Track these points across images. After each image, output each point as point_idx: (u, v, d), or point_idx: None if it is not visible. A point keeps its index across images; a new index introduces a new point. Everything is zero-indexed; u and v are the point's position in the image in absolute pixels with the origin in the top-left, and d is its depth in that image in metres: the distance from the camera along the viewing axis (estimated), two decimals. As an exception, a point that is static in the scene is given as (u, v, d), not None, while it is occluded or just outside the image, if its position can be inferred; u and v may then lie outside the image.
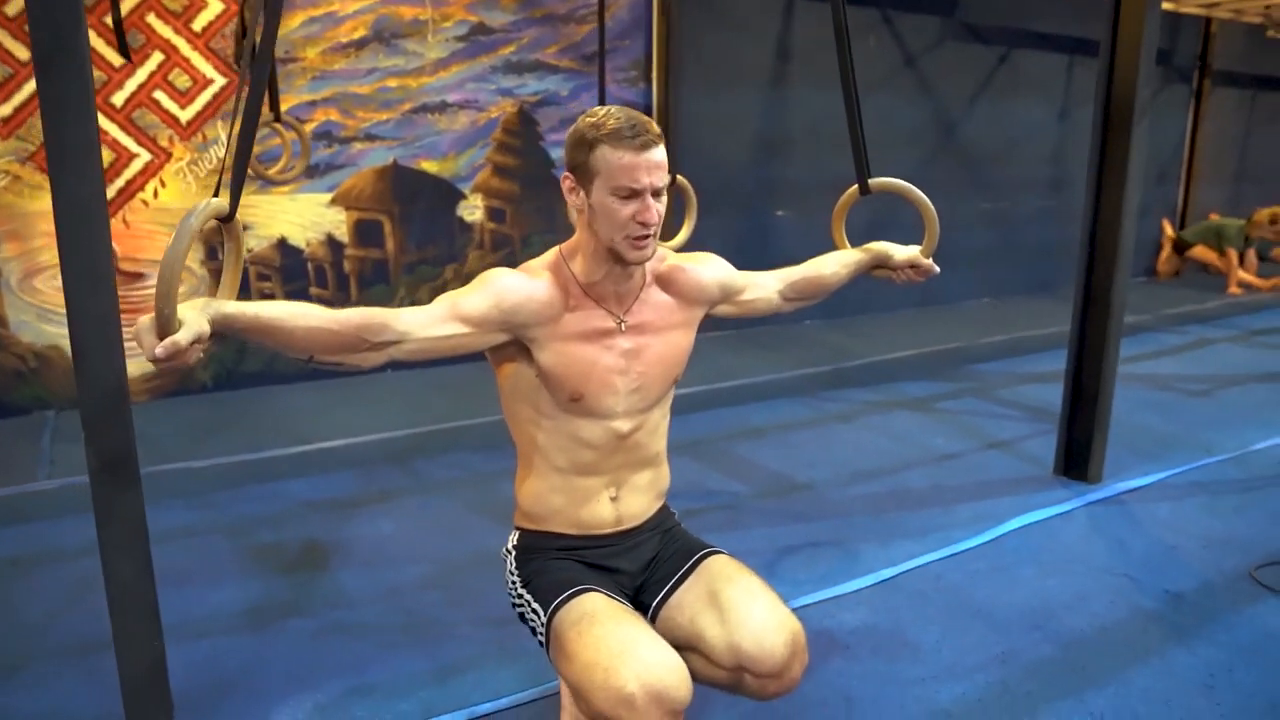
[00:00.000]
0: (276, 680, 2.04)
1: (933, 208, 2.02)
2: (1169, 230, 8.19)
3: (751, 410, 4.10)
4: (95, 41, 3.91)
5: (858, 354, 5.04)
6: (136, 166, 4.09)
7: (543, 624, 1.56)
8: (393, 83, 4.54)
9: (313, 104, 4.36)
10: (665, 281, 1.69)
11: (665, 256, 1.70)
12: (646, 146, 1.46)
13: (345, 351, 1.42)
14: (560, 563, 1.65)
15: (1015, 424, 4.01)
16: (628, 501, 1.69)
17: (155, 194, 4.14)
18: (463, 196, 4.85)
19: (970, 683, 2.05)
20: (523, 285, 1.54)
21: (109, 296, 1.62)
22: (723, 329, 5.37)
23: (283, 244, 4.43)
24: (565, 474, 1.65)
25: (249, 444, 3.62)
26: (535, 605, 1.60)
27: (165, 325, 1.22)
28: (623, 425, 1.64)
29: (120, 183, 4.08)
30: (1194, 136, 8.51)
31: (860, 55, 6.04)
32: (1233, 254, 7.57)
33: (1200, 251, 7.85)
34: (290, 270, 4.47)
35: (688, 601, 1.64)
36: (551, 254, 1.63)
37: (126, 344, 4.37)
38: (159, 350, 1.20)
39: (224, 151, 1.41)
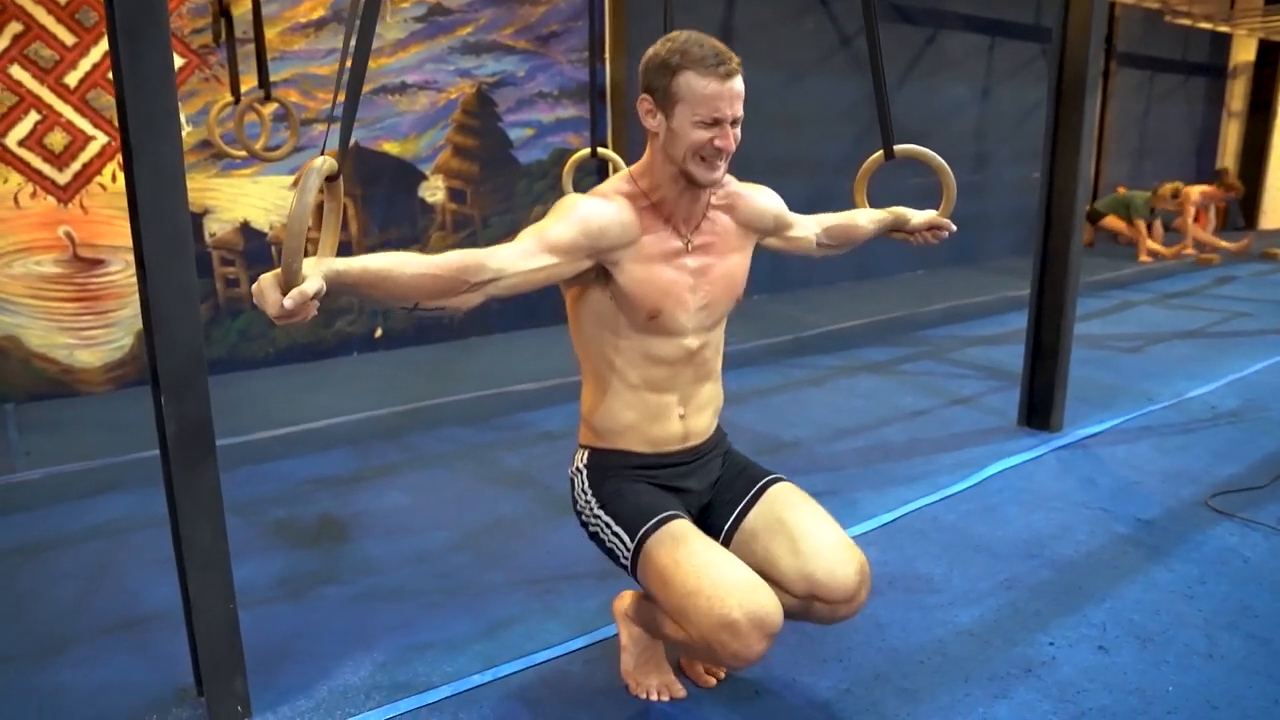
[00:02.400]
0: (331, 643, 2.09)
1: (951, 173, 2.18)
2: (1081, 202, 8.66)
3: (725, 379, 4.25)
4: (44, 18, 3.80)
5: (812, 324, 5.23)
6: (93, 150, 3.98)
7: (628, 549, 1.66)
8: (352, 63, 4.51)
9: (273, 85, 4.29)
10: (726, 206, 1.79)
11: (727, 183, 1.79)
12: (730, 76, 1.55)
13: (448, 295, 1.48)
14: (637, 485, 1.74)
15: (973, 382, 4.25)
16: (694, 418, 1.79)
17: (114, 178, 4.04)
18: (424, 178, 4.86)
19: (983, 606, 2.23)
20: (605, 209, 1.61)
21: (189, 263, 1.64)
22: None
23: (246, 227, 4.37)
24: (638, 390, 1.74)
25: (231, 429, 3.59)
26: (618, 529, 1.69)
27: (292, 279, 1.27)
28: (692, 342, 1.74)
29: (76, 166, 3.96)
30: (1103, 114, 8.99)
31: (800, 37, 6.23)
32: (1141, 224, 8.06)
33: (1111, 221, 8.32)
34: (254, 254, 4.41)
35: (760, 529, 1.75)
36: (621, 178, 1.71)
37: (90, 334, 4.19)
38: (288, 301, 1.24)
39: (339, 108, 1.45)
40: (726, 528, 1.78)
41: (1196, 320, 5.67)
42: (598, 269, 1.64)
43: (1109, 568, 2.42)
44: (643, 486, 1.74)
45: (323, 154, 1.44)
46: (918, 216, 2.18)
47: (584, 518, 1.78)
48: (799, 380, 4.28)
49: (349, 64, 1.46)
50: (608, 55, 5.35)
